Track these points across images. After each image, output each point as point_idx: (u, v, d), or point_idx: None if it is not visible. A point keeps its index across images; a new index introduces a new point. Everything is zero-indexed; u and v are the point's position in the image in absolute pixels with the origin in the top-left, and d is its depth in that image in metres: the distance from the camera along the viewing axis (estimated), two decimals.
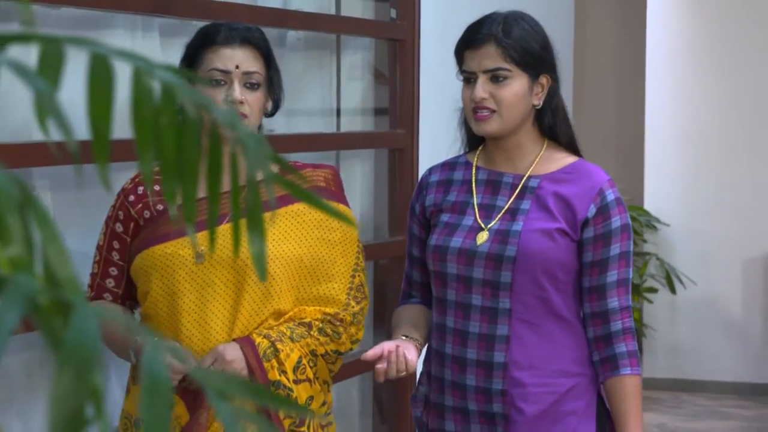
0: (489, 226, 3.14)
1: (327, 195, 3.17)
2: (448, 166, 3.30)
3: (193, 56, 3.11)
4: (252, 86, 3.07)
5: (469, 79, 3.12)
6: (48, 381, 3.61)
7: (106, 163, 1.20)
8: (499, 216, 3.15)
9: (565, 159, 3.20)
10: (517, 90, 3.09)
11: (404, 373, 3.00)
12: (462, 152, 3.32)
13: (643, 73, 9.22)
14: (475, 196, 3.20)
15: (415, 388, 3.37)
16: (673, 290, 8.57)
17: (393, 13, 4.88)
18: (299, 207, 3.15)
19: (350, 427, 4.95)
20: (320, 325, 3.10)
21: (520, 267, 3.08)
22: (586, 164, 3.21)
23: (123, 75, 1.19)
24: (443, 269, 3.15)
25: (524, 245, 3.08)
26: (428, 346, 3.28)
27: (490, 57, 3.08)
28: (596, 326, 3.13)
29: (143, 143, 1.22)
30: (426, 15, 5.02)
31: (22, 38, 1.18)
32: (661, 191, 9.14)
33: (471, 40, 3.11)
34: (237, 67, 3.05)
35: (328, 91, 4.89)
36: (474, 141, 3.27)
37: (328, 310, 3.12)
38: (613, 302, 3.12)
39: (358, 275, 3.19)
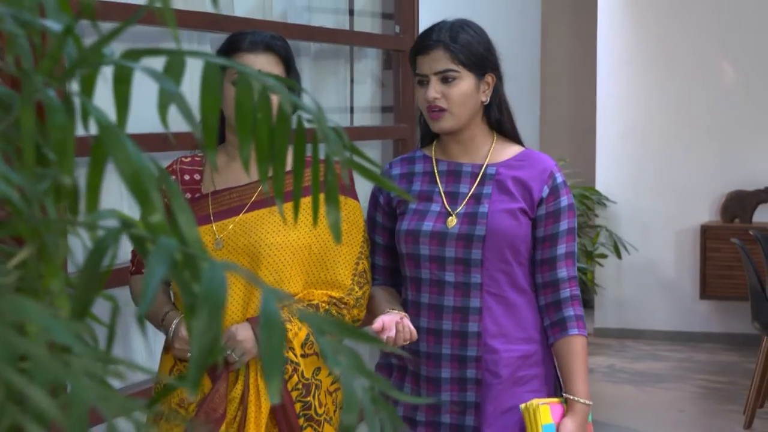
0: (456, 210, 2.97)
1: (340, 189, 2.95)
2: (407, 160, 3.11)
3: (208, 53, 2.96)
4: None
5: (422, 82, 2.95)
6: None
7: (215, 150, 1.24)
8: (465, 201, 2.97)
9: (515, 148, 3.03)
10: (465, 89, 2.92)
11: (407, 342, 2.81)
12: (417, 147, 3.14)
13: (594, 76, 9.22)
14: (439, 185, 3.01)
15: (381, 357, 3.15)
16: (619, 256, 8.57)
17: (397, 28, 4.89)
18: (310, 199, 2.90)
19: None
20: (326, 307, 2.91)
21: (488, 244, 2.93)
22: (534, 152, 3.07)
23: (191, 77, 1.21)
24: (416, 251, 2.97)
25: (492, 225, 2.93)
26: None
27: (439, 60, 2.91)
28: (547, 294, 2.98)
29: (244, 132, 1.25)
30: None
31: (153, 52, 1.21)
32: (609, 174, 9.14)
33: (422, 47, 2.95)
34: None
35: (343, 92, 4.88)
36: (427, 137, 3.10)
37: (333, 293, 2.93)
38: (562, 272, 2.97)
39: (362, 262, 2.99)
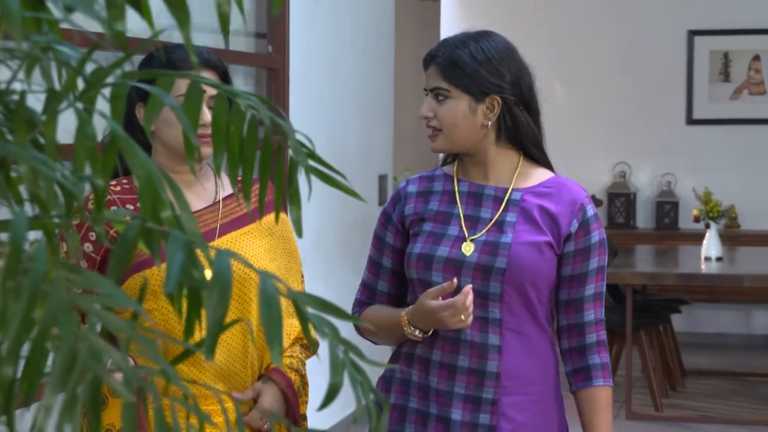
0: (475, 237, 2.63)
1: (272, 208, 2.75)
2: (426, 178, 2.75)
3: (155, 79, 2.71)
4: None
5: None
6: None
7: (193, 158, 1.39)
8: (487, 228, 2.63)
9: (543, 174, 2.69)
10: (456, 109, 2.61)
11: (461, 324, 2.56)
12: (438, 166, 2.80)
13: None
14: (459, 206, 2.67)
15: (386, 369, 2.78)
16: None
17: (270, 48, 5.03)
18: (268, 219, 2.75)
19: None
20: (302, 341, 2.74)
21: (509, 278, 2.59)
22: (564, 179, 2.71)
23: None
24: (428, 278, 2.61)
25: (514, 257, 2.59)
26: (401, 352, 2.73)
27: (432, 77, 2.64)
28: (571, 338, 2.66)
29: (218, 142, 1.41)
30: (294, 50, 5.15)
31: (146, 74, 1.36)
32: None
33: (423, 61, 2.69)
34: (204, 91, 2.59)
35: None
36: (451, 155, 2.76)
37: (295, 322, 2.69)
38: (590, 315, 2.66)
39: (303, 281, 2.83)
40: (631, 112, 9.33)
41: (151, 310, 2.58)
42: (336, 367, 1.24)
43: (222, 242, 2.65)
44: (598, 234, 2.65)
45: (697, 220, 7.62)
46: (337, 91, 5.74)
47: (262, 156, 1.45)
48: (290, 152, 1.42)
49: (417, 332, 2.62)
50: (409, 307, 2.63)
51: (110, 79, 1.25)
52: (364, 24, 6.10)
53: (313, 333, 1.26)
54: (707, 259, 7.28)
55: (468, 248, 2.61)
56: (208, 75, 2.64)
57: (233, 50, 4.92)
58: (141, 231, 1.26)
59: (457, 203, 2.68)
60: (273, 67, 4.99)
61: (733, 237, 8.75)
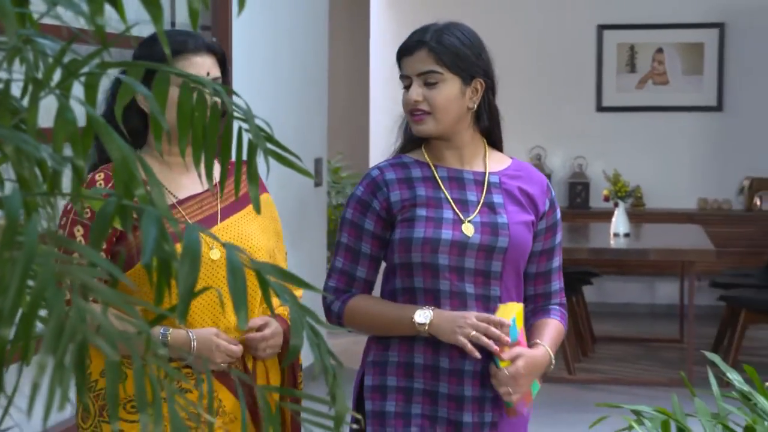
0: (470, 218, 2.57)
1: (264, 189, 2.74)
2: (399, 165, 2.64)
3: (161, 63, 2.62)
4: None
5: (407, 85, 2.60)
6: None
7: (161, 140, 1.42)
8: (478, 209, 2.59)
9: (504, 158, 2.69)
10: (449, 93, 2.55)
11: (464, 338, 2.50)
12: (397, 153, 2.69)
13: (368, 78, 9.53)
14: (444, 191, 2.60)
15: (362, 377, 2.65)
16: None
17: (215, 39, 5.03)
18: (263, 199, 2.69)
19: None
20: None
21: (509, 257, 2.57)
22: (525, 163, 2.72)
23: None
24: (435, 260, 2.54)
25: (514, 236, 2.58)
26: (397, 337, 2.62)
27: (422, 61, 2.55)
28: (537, 303, 2.68)
29: (183, 127, 1.44)
30: (236, 41, 5.15)
31: (118, 65, 1.39)
32: None
33: (406, 48, 2.59)
34: (207, 74, 2.59)
35: None
36: (410, 142, 2.68)
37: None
38: (555, 285, 2.69)
39: (286, 257, 2.80)
40: (546, 100, 9.44)
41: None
42: (296, 330, 1.29)
43: (226, 225, 2.64)
44: (558, 212, 2.69)
45: (606, 199, 7.76)
46: (275, 81, 5.76)
47: (223, 139, 1.49)
48: (250, 136, 1.45)
49: (426, 328, 2.53)
50: (425, 308, 2.54)
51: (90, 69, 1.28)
52: (300, 17, 6.12)
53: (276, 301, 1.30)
54: (616, 235, 7.41)
55: (469, 229, 2.56)
56: (208, 59, 2.61)
57: None
58: (117, 207, 1.30)
59: (441, 188, 2.60)
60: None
61: (639, 215, 8.90)
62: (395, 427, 2.57)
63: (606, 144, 9.36)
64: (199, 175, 1.65)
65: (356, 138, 9.50)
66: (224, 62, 2.68)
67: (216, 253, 2.58)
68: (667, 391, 6.69)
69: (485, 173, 2.63)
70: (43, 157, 1.17)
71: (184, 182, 2.66)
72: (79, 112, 1.25)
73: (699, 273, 8.15)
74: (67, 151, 1.28)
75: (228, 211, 2.68)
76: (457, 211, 2.58)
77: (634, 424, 3.12)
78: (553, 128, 9.44)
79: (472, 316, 2.51)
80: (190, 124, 1.46)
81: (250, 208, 2.68)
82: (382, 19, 9.50)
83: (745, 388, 3.10)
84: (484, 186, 2.61)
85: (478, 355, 2.50)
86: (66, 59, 1.30)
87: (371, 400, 2.60)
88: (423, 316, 2.53)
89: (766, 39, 9.15)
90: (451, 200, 2.59)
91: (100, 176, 2.59)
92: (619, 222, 7.43)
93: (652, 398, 5.74)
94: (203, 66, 2.60)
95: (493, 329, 2.49)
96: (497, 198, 2.61)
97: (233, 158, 1.51)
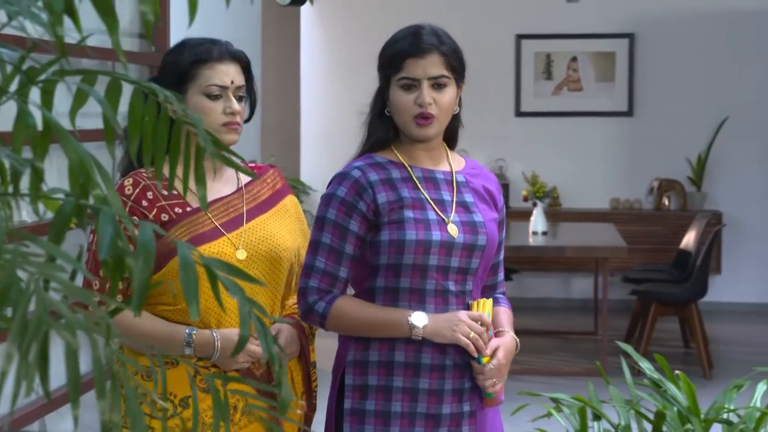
0: (450, 219, 2.52)
1: (288, 191, 2.71)
2: (376, 166, 2.54)
3: (187, 71, 2.57)
4: (240, 99, 2.57)
5: (409, 86, 2.49)
6: None
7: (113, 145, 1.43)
8: (454, 209, 2.53)
9: (459, 157, 2.66)
10: (452, 96, 2.53)
11: (461, 337, 2.47)
12: (364, 152, 2.59)
13: (298, 85, 9.52)
14: (423, 192, 2.52)
15: (341, 376, 2.55)
16: None
17: (153, 48, 5.01)
18: (286, 203, 2.70)
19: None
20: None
21: (486, 254, 2.55)
22: (475, 161, 2.70)
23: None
24: (425, 261, 2.47)
25: (490, 234, 2.55)
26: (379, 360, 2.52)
27: (434, 65, 2.49)
28: (486, 293, 2.66)
29: (134, 131, 1.45)
30: None
31: (74, 73, 1.40)
32: (312, 168, 9.44)
33: (416, 49, 2.49)
34: (232, 82, 2.56)
35: None
36: (380, 142, 2.57)
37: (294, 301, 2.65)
38: (500, 276, 2.69)
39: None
40: (467, 105, 9.46)
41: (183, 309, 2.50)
42: (245, 322, 1.31)
43: (251, 226, 2.60)
44: (505, 209, 2.66)
45: (525, 199, 7.86)
46: None
47: (172, 143, 1.51)
48: (199, 140, 1.47)
49: (420, 330, 2.48)
50: (418, 312, 2.47)
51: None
52: (233, 28, 6.11)
53: (227, 295, 1.33)
54: (534, 233, 7.51)
55: (453, 230, 2.50)
56: (232, 67, 2.57)
57: (124, 50, 4.88)
58: (74, 207, 1.31)
59: (420, 189, 2.52)
60: (156, 65, 4.96)
61: (555, 214, 9.03)
62: (374, 425, 2.49)
63: (525, 147, 9.47)
64: (148, 174, 1.65)
65: (287, 143, 9.49)
66: (249, 69, 2.64)
67: (242, 253, 2.56)
68: (583, 380, 6.76)
69: (452, 172, 2.57)
70: (4, 158, 1.19)
71: (211, 185, 2.59)
72: (62, 118, 1.27)
73: (612, 269, 8.29)
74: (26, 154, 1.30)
75: (254, 213, 2.64)
76: (438, 211, 2.51)
77: (553, 411, 3.19)
78: (475, 132, 9.52)
79: (464, 315, 2.48)
80: (140, 129, 1.48)
81: (276, 209, 2.65)
82: (312, 31, 9.51)
83: (656, 376, 3.19)
84: (453, 185, 2.55)
85: (476, 354, 2.48)
86: (24, 67, 1.32)
87: (351, 399, 2.51)
88: (419, 319, 2.46)
89: (673, 48, 9.33)
90: (431, 201, 2.51)
91: (128, 181, 2.55)
92: (538, 221, 7.53)
93: (570, 387, 5.82)
94: (227, 74, 2.56)
95: (484, 333, 2.48)
96: (468, 197, 2.56)
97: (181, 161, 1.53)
